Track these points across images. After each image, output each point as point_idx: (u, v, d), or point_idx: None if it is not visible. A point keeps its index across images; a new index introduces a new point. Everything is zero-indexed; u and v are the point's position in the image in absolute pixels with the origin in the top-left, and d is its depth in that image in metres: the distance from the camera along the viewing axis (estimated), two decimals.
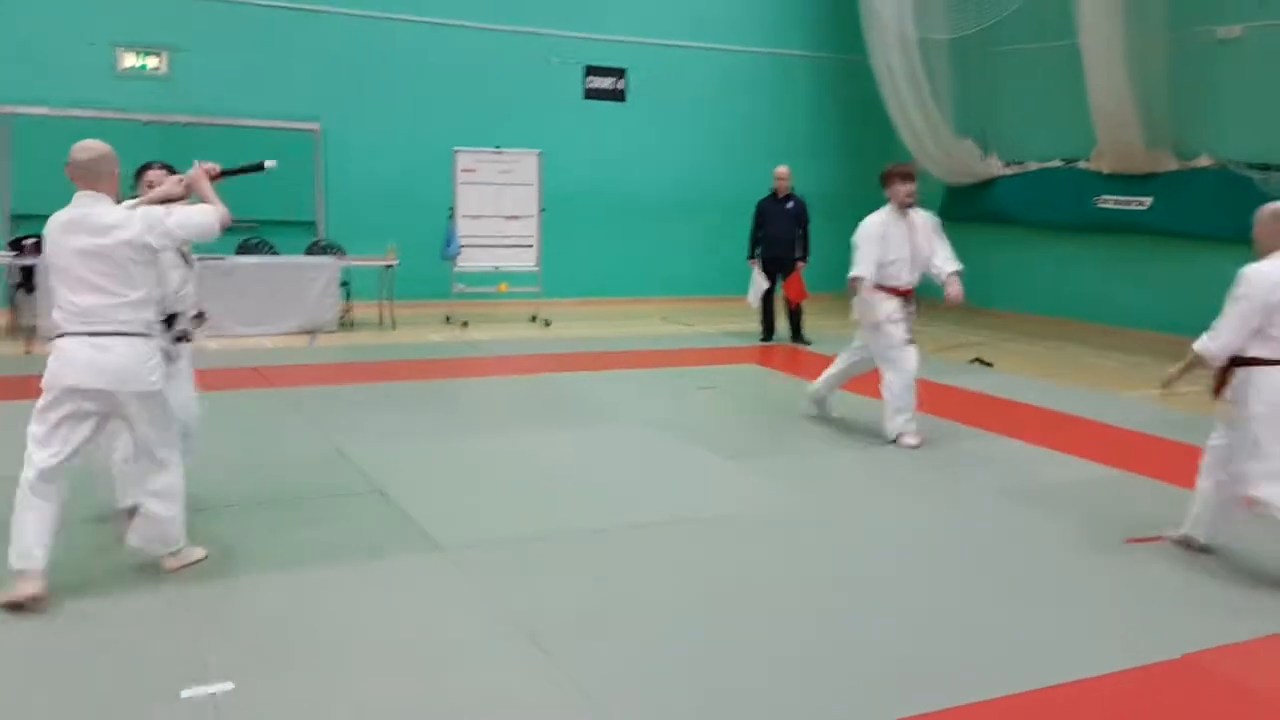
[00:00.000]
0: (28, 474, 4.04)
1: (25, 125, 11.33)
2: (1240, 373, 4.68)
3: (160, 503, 4.30)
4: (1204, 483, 4.93)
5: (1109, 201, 12.40)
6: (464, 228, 12.05)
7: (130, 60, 11.69)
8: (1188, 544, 4.95)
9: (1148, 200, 12.01)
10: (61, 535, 4.16)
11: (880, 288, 6.90)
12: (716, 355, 10.41)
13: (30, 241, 10.18)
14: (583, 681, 3.51)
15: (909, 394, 6.84)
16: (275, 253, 11.53)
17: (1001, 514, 5.49)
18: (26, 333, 9.99)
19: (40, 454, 4.05)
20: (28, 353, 9.35)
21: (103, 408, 4.14)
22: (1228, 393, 4.79)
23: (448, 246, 11.96)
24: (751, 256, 11.30)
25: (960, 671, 3.69)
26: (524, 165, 12.34)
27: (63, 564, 4.45)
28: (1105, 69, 11.44)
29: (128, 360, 4.09)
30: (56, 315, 4.12)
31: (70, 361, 4.06)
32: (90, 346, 4.06)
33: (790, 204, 11.20)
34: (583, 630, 3.94)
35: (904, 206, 7.01)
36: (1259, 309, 4.50)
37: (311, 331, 10.81)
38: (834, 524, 5.30)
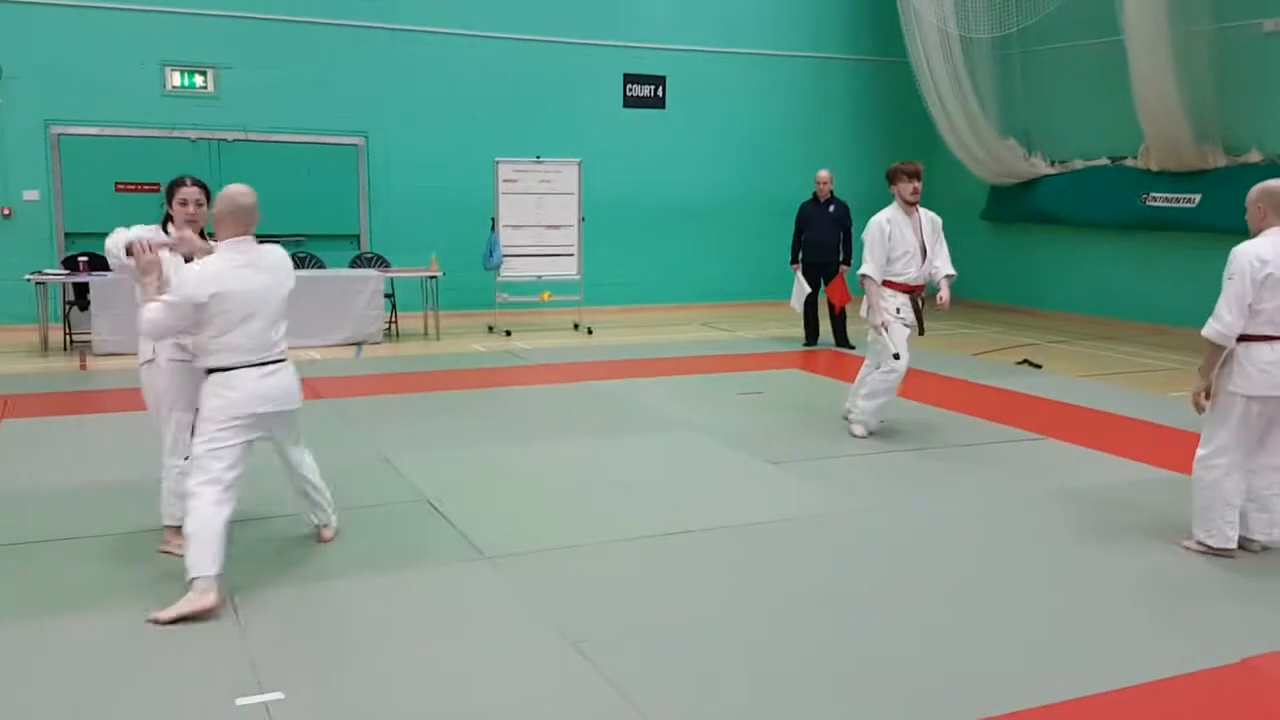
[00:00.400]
0: (211, 488, 4.17)
1: (76, 144, 11.56)
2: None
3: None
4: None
5: (1157, 199, 12.21)
6: (506, 237, 12.12)
7: (177, 79, 11.90)
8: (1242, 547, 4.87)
9: (1196, 197, 11.81)
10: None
11: (889, 284, 6.99)
12: (759, 361, 10.38)
13: (84, 259, 10.39)
14: (626, 689, 3.50)
15: (890, 393, 7.01)
16: (321, 266, 11.68)
17: (1053, 517, 5.42)
18: (81, 348, 10.19)
19: (229, 472, 4.26)
20: (82, 368, 9.53)
21: (268, 427, 4.50)
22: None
23: (490, 257, 12.04)
24: (794, 261, 11.26)
25: (1015, 677, 3.65)
26: (565, 174, 12.39)
27: (117, 575, 4.54)
28: (1150, 65, 11.27)
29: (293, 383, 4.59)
30: (228, 347, 4.30)
31: (254, 390, 4.35)
32: (269, 375, 4.41)
33: (832, 208, 11.15)
34: (626, 637, 3.93)
35: (909, 204, 7.12)
36: (1250, 286, 4.66)
37: (358, 343, 10.93)
38: (880, 529, 5.26)
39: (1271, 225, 4.81)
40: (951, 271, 7.30)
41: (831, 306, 11.15)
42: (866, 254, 6.99)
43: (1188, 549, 4.90)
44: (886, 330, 6.88)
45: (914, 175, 7.10)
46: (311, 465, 4.92)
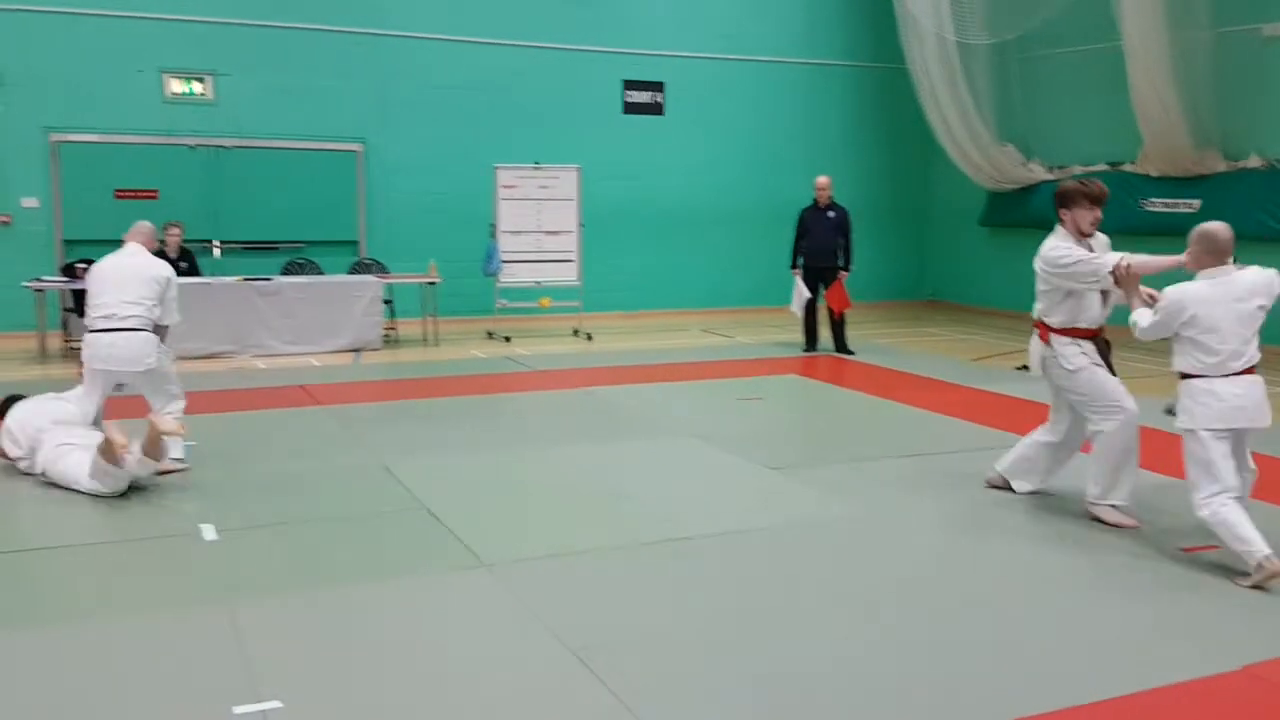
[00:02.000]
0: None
1: (75, 152, 11.56)
2: None
3: None
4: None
5: (1157, 204, 12.23)
6: (505, 243, 12.12)
7: (177, 86, 11.91)
8: None
9: (1197, 202, 11.82)
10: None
11: (1070, 331, 5.53)
12: (759, 366, 10.38)
13: (82, 266, 10.37)
14: (626, 696, 3.49)
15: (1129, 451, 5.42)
16: (319, 272, 11.68)
17: (1053, 523, 5.41)
18: (79, 355, 10.16)
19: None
20: (79, 375, 9.49)
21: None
22: None
23: (489, 263, 12.04)
24: (794, 266, 11.26)
25: (1015, 685, 3.64)
26: (564, 180, 12.40)
27: (113, 585, 4.53)
28: (1149, 70, 11.29)
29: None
30: None
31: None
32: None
33: (832, 213, 11.15)
34: (626, 645, 3.92)
35: (1084, 235, 5.51)
36: (1169, 326, 4.78)
37: (356, 349, 10.92)
38: (882, 535, 5.25)
39: (1206, 266, 4.84)
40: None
41: (831, 312, 11.15)
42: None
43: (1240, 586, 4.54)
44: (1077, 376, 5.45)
45: (1098, 201, 5.45)
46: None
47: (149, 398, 6.26)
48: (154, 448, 5.60)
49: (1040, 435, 5.82)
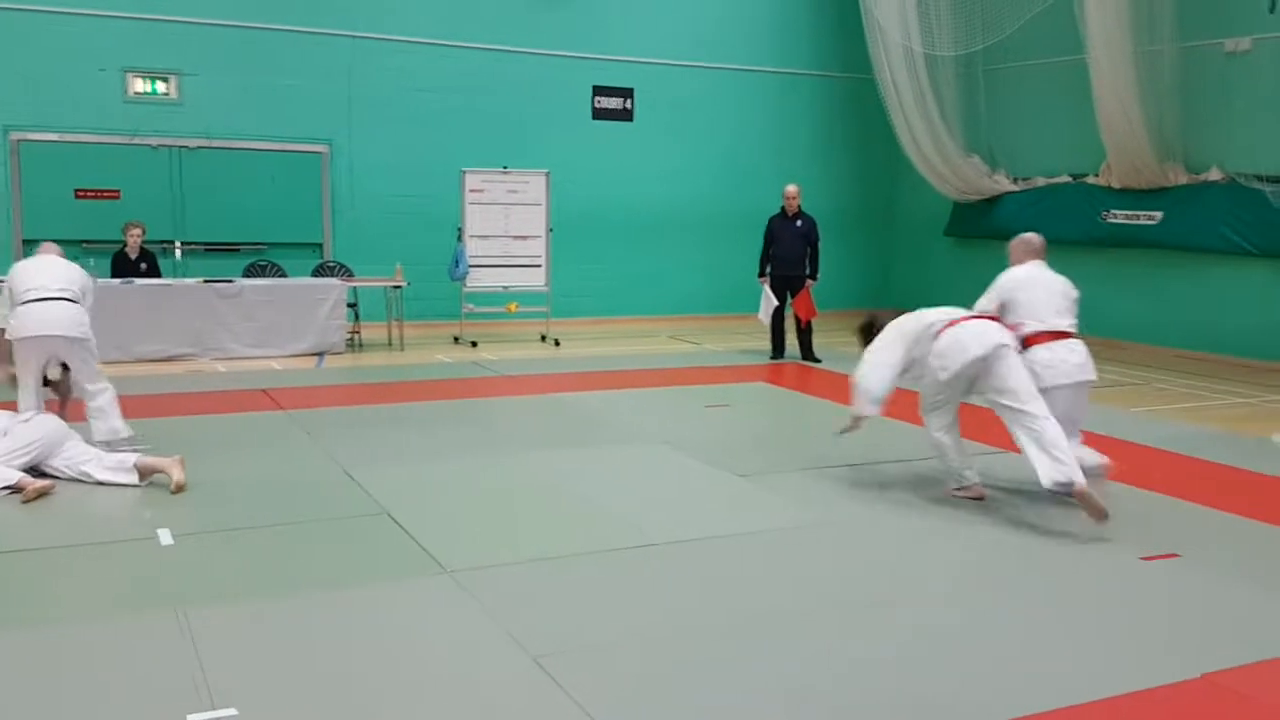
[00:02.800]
0: None
1: (36, 151, 11.39)
2: None
3: None
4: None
5: (1118, 216, 12.37)
6: (473, 248, 12.05)
7: (140, 85, 11.75)
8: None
9: (1158, 214, 11.97)
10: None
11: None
12: (726, 374, 10.38)
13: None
14: (587, 704, 3.46)
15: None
16: (282, 274, 11.55)
17: (1011, 532, 5.44)
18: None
19: None
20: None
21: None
22: None
23: (456, 267, 11.96)
24: (762, 274, 11.27)
25: (974, 694, 3.64)
26: (532, 185, 12.36)
27: (66, 589, 4.44)
28: (1113, 83, 11.42)
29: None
30: None
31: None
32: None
33: (800, 222, 11.18)
34: (587, 652, 3.89)
35: None
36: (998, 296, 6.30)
37: (319, 353, 10.81)
38: (847, 542, 5.25)
39: (1026, 262, 6.36)
40: None
41: (798, 320, 11.18)
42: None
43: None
44: None
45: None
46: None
47: (79, 378, 6.48)
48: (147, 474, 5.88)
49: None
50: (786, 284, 11.17)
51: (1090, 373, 6.08)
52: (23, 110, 11.27)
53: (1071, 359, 6.01)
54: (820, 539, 5.29)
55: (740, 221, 13.69)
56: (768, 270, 11.24)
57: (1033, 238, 6.70)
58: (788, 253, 11.11)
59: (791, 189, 11.23)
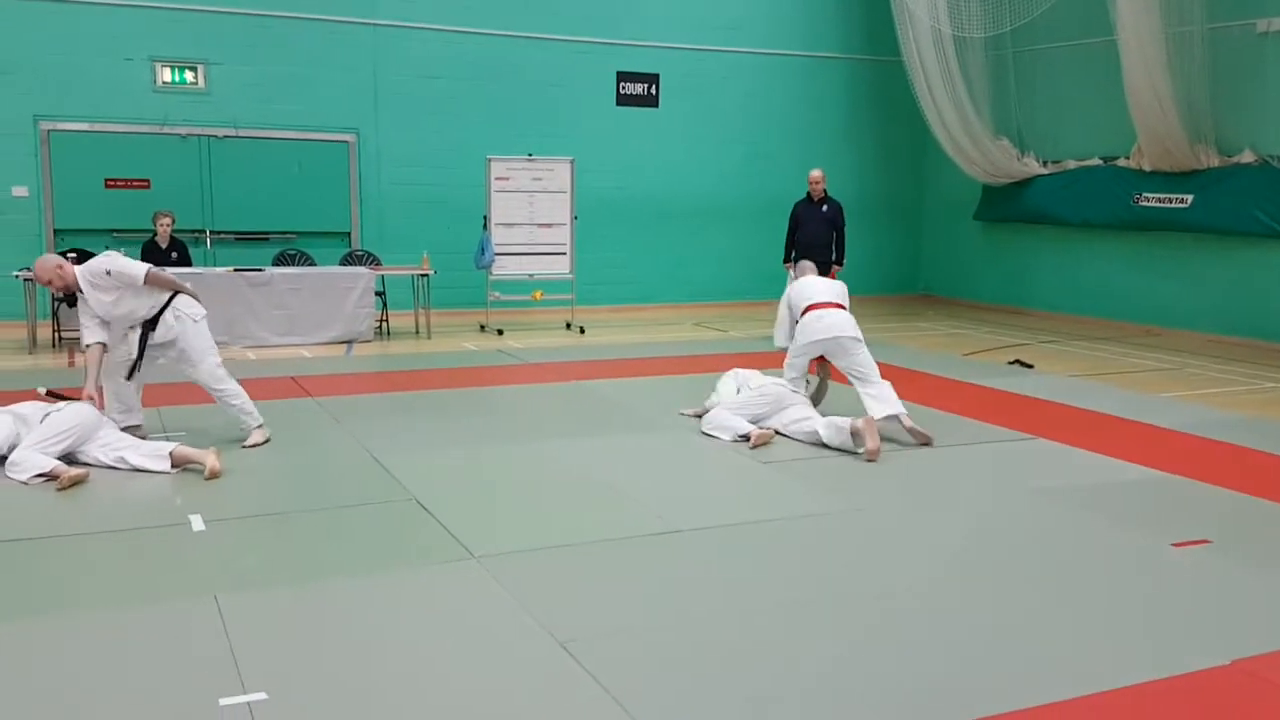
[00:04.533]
0: None
1: (66, 140, 11.51)
2: None
3: None
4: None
5: (1149, 199, 12.24)
6: (498, 236, 12.08)
7: (168, 75, 11.84)
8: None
9: (1189, 197, 11.83)
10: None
11: None
12: (751, 360, 10.29)
13: (73, 255, 10.31)
14: (613, 689, 3.48)
15: None
16: (311, 263, 11.63)
17: (1042, 517, 5.41)
18: (70, 345, 10.14)
19: None
20: (71, 365, 9.48)
21: None
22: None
23: (482, 255, 11.99)
24: (787, 260, 11.23)
25: (1002, 679, 3.63)
26: (557, 172, 12.36)
27: (100, 575, 4.51)
28: (1143, 64, 11.28)
29: None
30: None
31: None
32: None
33: (825, 207, 11.12)
34: (614, 637, 3.91)
35: None
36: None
37: (348, 341, 10.89)
38: (872, 529, 5.24)
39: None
40: None
41: None
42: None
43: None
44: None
45: None
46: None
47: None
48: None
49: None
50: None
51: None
52: (53, 100, 11.39)
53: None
54: (847, 526, 5.28)
55: (766, 207, 13.65)
56: (793, 256, 11.19)
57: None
58: (813, 238, 11.05)
59: (816, 173, 11.17)
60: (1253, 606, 4.31)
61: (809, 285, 7.56)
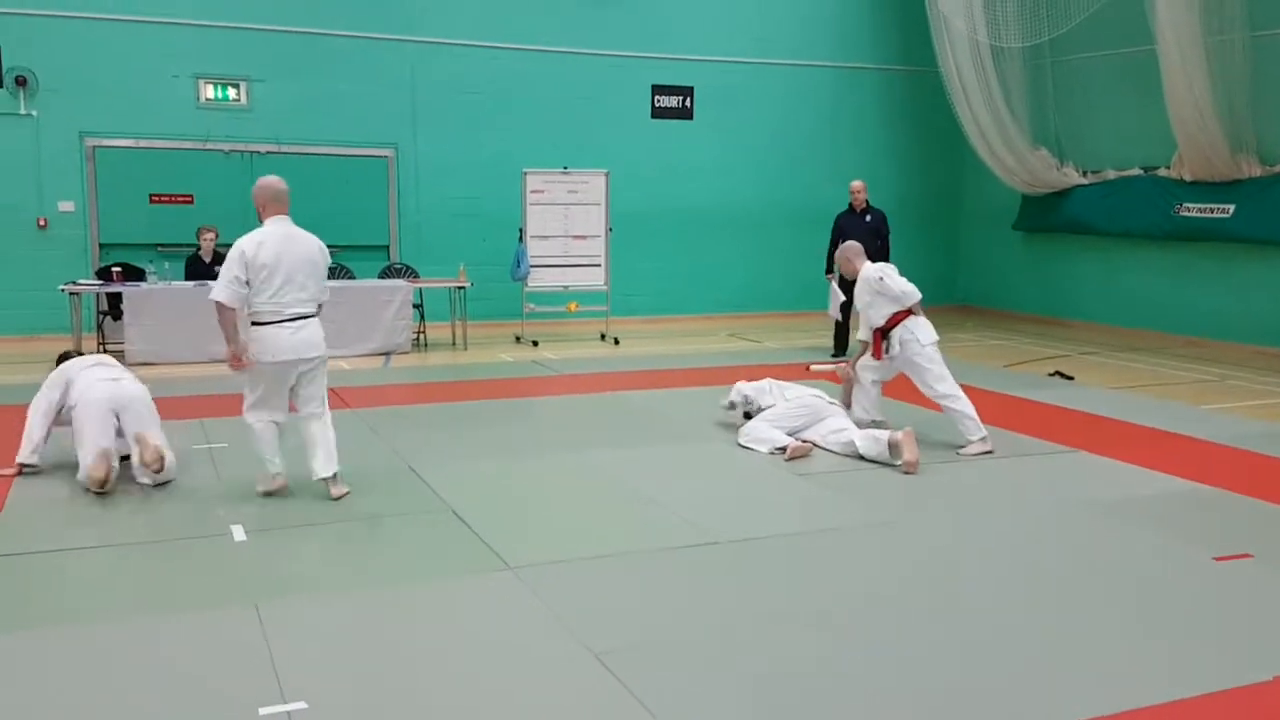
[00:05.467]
0: None
1: (111, 156, 11.71)
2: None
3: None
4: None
5: (1191, 209, 12.08)
6: (533, 248, 12.15)
7: (211, 92, 12.04)
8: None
9: (1231, 207, 11.68)
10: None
11: None
12: (787, 372, 10.29)
13: (117, 269, 10.51)
14: (648, 701, 3.49)
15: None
16: (351, 277, 11.75)
17: (1085, 531, 5.36)
18: (115, 358, 10.29)
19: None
20: None
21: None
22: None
23: (518, 267, 12.07)
24: (829, 271, 11.18)
25: (1045, 693, 3.60)
26: (592, 185, 12.41)
27: (143, 585, 4.58)
28: (1184, 74, 11.16)
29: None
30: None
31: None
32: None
33: (869, 217, 11.06)
34: (649, 649, 3.92)
35: None
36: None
37: (386, 353, 10.98)
38: (912, 541, 5.21)
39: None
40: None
41: None
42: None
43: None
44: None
45: None
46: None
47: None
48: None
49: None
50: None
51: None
52: (99, 117, 11.60)
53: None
54: (880, 538, 5.26)
55: (801, 218, 13.64)
56: (835, 267, 11.13)
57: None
58: None
59: (857, 184, 11.12)
60: None
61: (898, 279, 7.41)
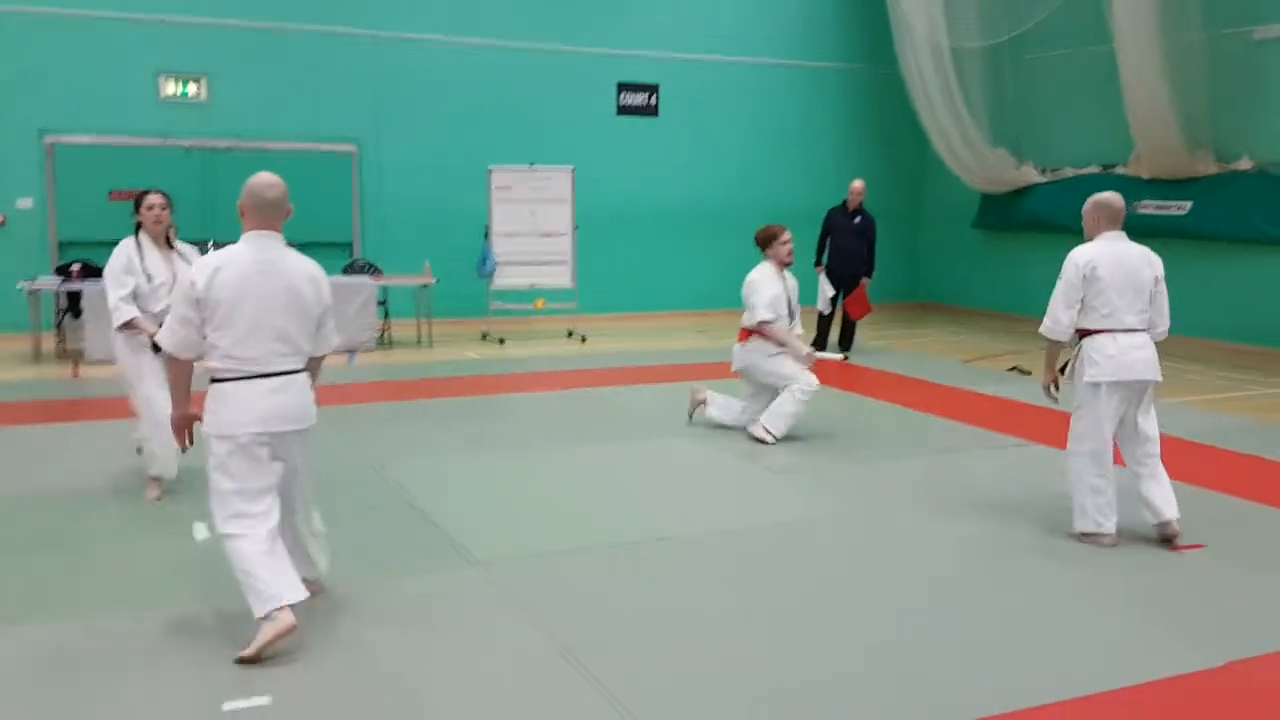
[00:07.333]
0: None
1: (70, 153, 11.58)
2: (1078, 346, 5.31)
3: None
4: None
5: (1148, 206, 12.27)
6: (499, 245, 12.14)
7: (171, 88, 11.92)
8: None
9: (1187, 204, 11.87)
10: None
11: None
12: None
13: (77, 267, 10.40)
14: (615, 694, 3.52)
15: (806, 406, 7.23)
16: None
17: (1040, 522, 5.44)
18: (74, 356, 10.20)
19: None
20: (75, 376, 9.54)
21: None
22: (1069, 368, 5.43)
23: (484, 264, 12.05)
24: (818, 264, 11.25)
25: (1000, 680, 3.67)
26: (558, 182, 12.42)
27: (104, 580, 4.55)
28: (1141, 72, 11.34)
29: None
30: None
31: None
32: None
33: (858, 219, 11.18)
34: (615, 643, 3.95)
35: (784, 265, 7.42)
36: (1078, 285, 5.18)
37: (350, 351, 10.93)
38: (874, 535, 5.28)
39: (1103, 232, 5.30)
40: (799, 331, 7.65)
41: (845, 314, 11.21)
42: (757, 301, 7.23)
43: (1070, 536, 5.19)
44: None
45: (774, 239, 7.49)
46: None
47: None
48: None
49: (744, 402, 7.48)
50: (840, 281, 11.15)
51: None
52: (58, 114, 11.46)
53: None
54: (843, 531, 5.32)
55: (767, 215, 13.49)
56: (824, 260, 11.22)
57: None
58: (843, 248, 11.11)
59: (857, 184, 11.22)
60: (1246, 610, 4.35)
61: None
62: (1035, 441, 7.20)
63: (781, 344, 7.22)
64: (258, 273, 4.02)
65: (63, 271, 10.69)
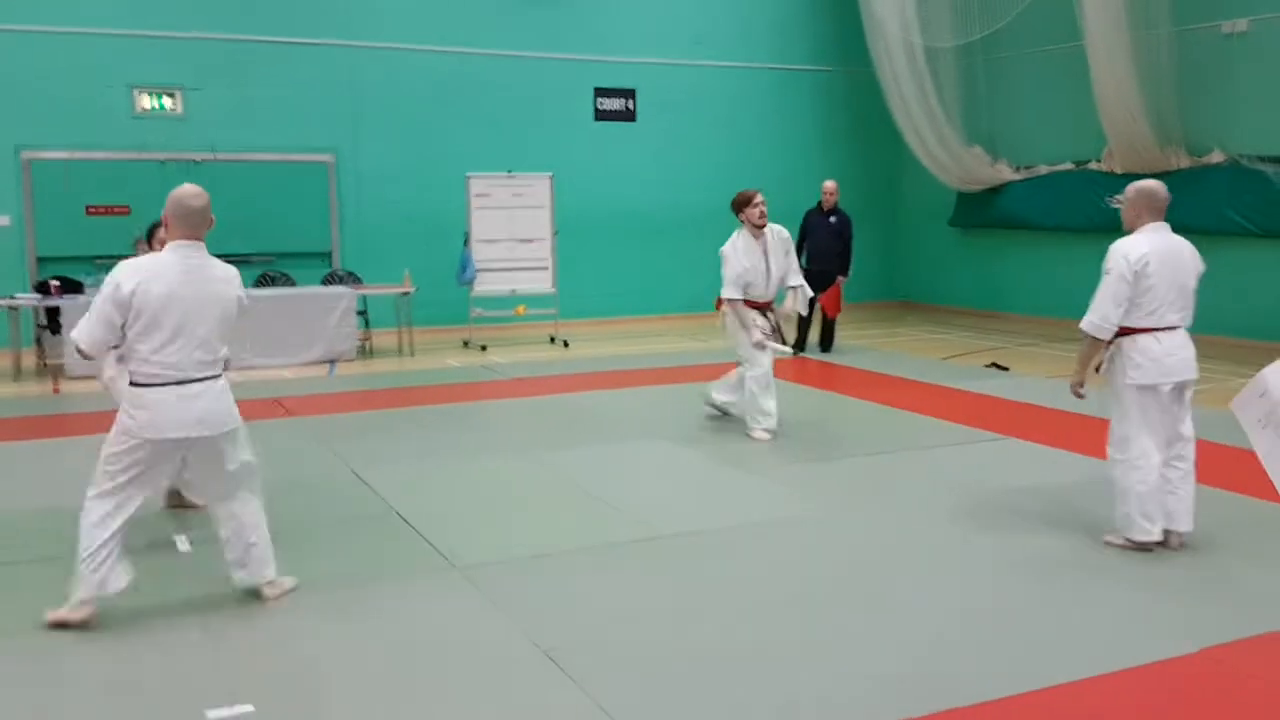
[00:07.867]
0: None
1: (46, 169, 11.54)
2: (1114, 345, 5.01)
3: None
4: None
5: (1121, 202, 12.36)
6: (479, 252, 12.16)
7: (146, 101, 11.90)
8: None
9: None
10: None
11: (747, 303, 7.50)
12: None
13: (55, 283, 10.37)
14: (598, 695, 3.55)
15: (767, 392, 7.27)
16: (292, 284, 11.68)
17: (1016, 515, 5.50)
18: (54, 372, 10.17)
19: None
20: (56, 392, 9.51)
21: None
22: (1103, 368, 5.14)
23: (464, 272, 12.07)
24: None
25: (978, 671, 3.71)
26: (537, 188, 12.45)
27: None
28: (1111, 68, 11.44)
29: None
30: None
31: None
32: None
33: (834, 219, 11.28)
34: (597, 644, 3.98)
35: (758, 227, 7.60)
36: (1130, 281, 4.87)
37: (331, 361, 10.93)
38: (851, 532, 5.33)
39: (1145, 223, 5.05)
40: (799, 282, 7.87)
41: (823, 313, 11.28)
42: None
43: (1110, 544, 4.97)
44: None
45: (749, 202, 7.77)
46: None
47: None
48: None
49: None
50: (815, 280, 11.19)
51: None
52: (34, 130, 11.42)
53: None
54: (820, 529, 5.37)
55: None
56: (803, 262, 11.27)
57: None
58: (820, 248, 11.20)
59: (829, 184, 11.33)
60: (1220, 597, 4.41)
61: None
62: (1013, 436, 7.27)
63: (743, 324, 7.35)
64: (183, 282, 4.13)
65: (41, 287, 10.65)
